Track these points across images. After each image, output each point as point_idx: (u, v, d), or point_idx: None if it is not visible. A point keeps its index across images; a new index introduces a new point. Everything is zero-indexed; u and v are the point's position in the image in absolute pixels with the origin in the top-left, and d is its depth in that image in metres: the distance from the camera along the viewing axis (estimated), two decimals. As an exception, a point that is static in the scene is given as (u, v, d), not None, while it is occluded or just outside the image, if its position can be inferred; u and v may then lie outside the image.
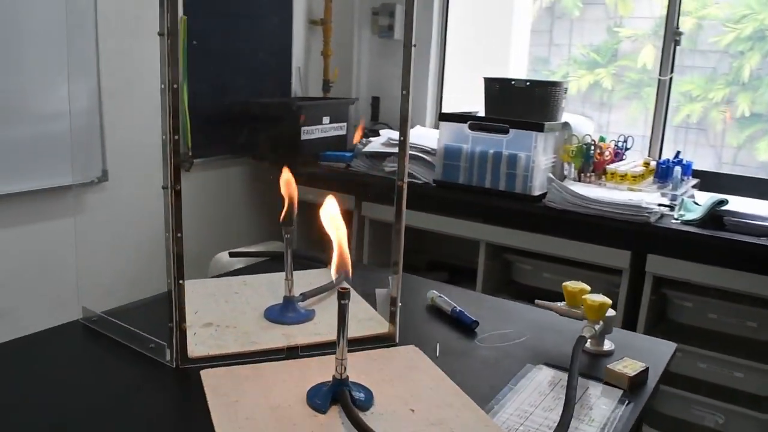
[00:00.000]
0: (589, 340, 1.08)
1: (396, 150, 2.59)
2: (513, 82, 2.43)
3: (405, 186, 1.05)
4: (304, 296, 1.23)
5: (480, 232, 2.41)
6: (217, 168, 2.88)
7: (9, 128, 2.08)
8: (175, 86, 0.90)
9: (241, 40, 2.82)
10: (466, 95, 3.12)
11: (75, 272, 2.24)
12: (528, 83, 2.42)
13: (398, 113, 1.04)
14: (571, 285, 1.14)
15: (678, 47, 2.64)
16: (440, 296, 1.28)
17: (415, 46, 1.01)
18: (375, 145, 2.70)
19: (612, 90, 3.21)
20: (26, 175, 2.14)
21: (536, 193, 2.30)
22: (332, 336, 1.09)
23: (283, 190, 1.19)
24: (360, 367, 1.01)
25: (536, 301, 1.20)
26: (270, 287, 1.32)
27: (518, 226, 2.32)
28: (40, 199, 2.21)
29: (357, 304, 1.26)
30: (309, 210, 2.85)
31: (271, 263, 1.53)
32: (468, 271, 2.59)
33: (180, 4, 2.53)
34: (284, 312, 1.18)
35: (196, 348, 1.05)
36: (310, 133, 2.81)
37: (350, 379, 0.91)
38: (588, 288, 1.13)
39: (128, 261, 2.49)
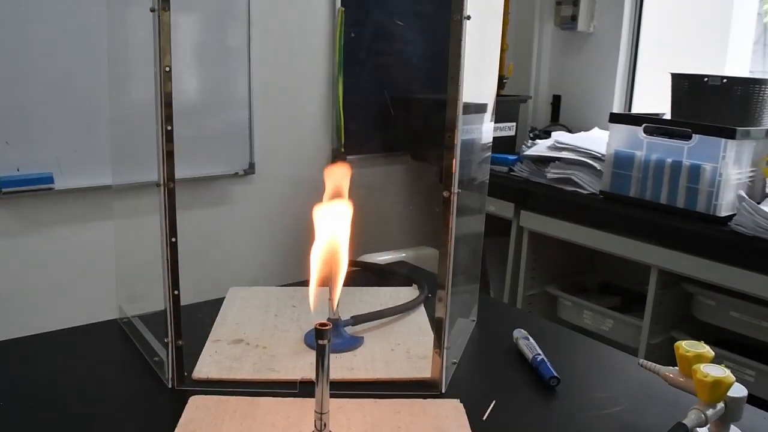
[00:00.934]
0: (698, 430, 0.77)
1: (562, 155, 2.30)
2: (706, 79, 2.01)
3: (454, 197, 0.82)
4: (355, 320, 1.05)
5: (652, 255, 2.03)
6: (371, 166, 2.77)
7: (179, 123, 2.13)
8: (167, 69, 0.77)
9: (403, 33, 2.68)
10: (664, 94, 2.70)
11: (212, 260, 2.25)
12: (725, 80, 1.99)
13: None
14: (686, 346, 0.83)
15: None
16: (526, 338, 1.02)
17: (468, 18, 0.77)
18: (540, 147, 2.42)
19: None
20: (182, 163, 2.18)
21: (723, 213, 1.88)
22: (365, 374, 0.91)
23: (330, 192, 1.01)
24: (374, 420, 0.80)
25: (641, 360, 0.90)
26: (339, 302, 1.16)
27: (699, 251, 1.91)
28: (188, 187, 2.25)
29: (418, 336, 1.05)
30: (467, 215, 2.68)
31: (373, 276, 1.38)
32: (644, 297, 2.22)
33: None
34: (325, 336, 1.01)
35: (204, 368, 0.92)
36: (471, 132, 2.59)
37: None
38: (709, 354, 0.81)
39: (270, 252, 2.47)
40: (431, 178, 2.81)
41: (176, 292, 0.85)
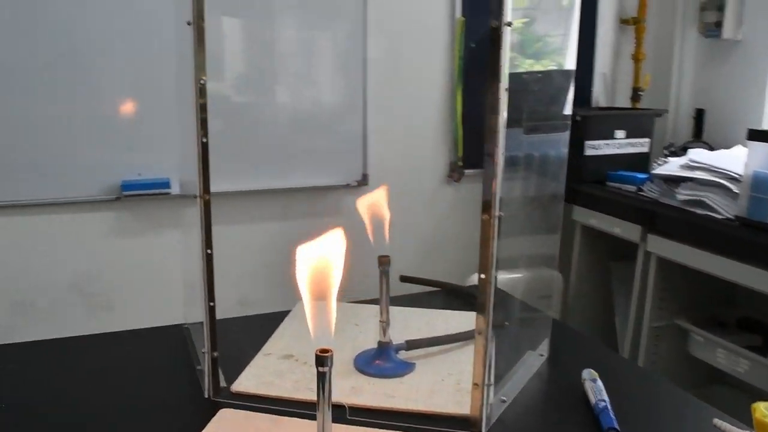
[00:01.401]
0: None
1: (695, 174, 2.10)
2: None
3: (494, 222, 0.75)
4: (409, 344, 1.00)
5: (796, 291, 1.79)
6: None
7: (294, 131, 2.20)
8: (202, 82, 0.77)
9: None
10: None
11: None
12: None
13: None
14: (765, 409, 0.71)
15: None
16: (593, 380, 0.92)
17: (509, 24, 0.70)
18: (671, 166, 2.22)
19: None
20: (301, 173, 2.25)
21: None
22: (403, 403, 0.86)
23: (367, 213, 0.97)
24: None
25: (715, 420, 0.78)
26: (405, 324, 1.12)
27: None
28: (302, 197, 2.30)
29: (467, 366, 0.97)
30: (589, 237, 2.52)
31: (448, 297, 1.32)
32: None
33: (458, 5, 2.40)
34: (373, 360, 0.97)
35: (245, 381, 0.92)
36: (596, 148, 2.44)
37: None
38: (789, 419, 0.68)
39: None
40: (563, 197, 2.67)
41: (212, 304, 0.84)
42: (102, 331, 1.09)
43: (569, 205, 2.55)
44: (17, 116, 1.92)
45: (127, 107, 2.00)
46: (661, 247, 2.19)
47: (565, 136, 1.05)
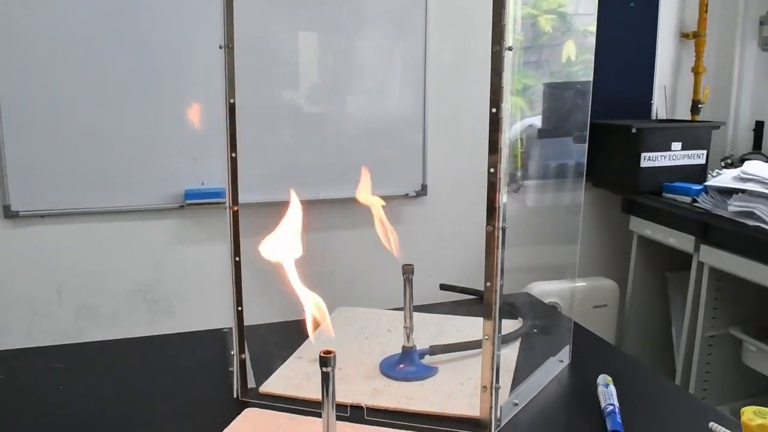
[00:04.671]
0: None
1: (746, 186, 2.06)
2: None
3: (499, 233, 0.79)
4: (432, 350, 1.04)
5: None
6: (549, 191, 2.68)
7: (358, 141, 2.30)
8: (231, 102, 0.84)
9: (596, 55, 2.58)
10: None
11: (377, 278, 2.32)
12: None
13: None
14: (752, 413, 0.72)
15: None
16: (606, 385, 0.94)
17: (510, 49, 0.74)
18: (724, 178, 2.18)
19: None
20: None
21: None
22: (420, 405, 0.91)
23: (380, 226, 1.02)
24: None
25: (711, 424, 0.80)
26: (437, 330, 1.17)
27: None
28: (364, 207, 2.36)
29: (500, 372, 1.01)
30: (646, 247, 2.49)
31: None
32: None
33: (519, 21, 2.42)
34: (398, 364, 1.02)
35: (273, 382, 0.98)
36: (653, 160, 2.41)
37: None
38: (779, 426, 0.70)
39: (436, 273, 2.50)
40: (612, 206, 2.66)
41: (240, 309, 0.91)
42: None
43: (626, 216, 2.54)
44: (88, 127, 2.04)
45: (193, 119, 2.11)
46: (713, 257, 2.15)
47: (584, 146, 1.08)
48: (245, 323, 0.93)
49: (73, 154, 2.05)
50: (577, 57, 1.61)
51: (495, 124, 0.76)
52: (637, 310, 2.64)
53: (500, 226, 0.79)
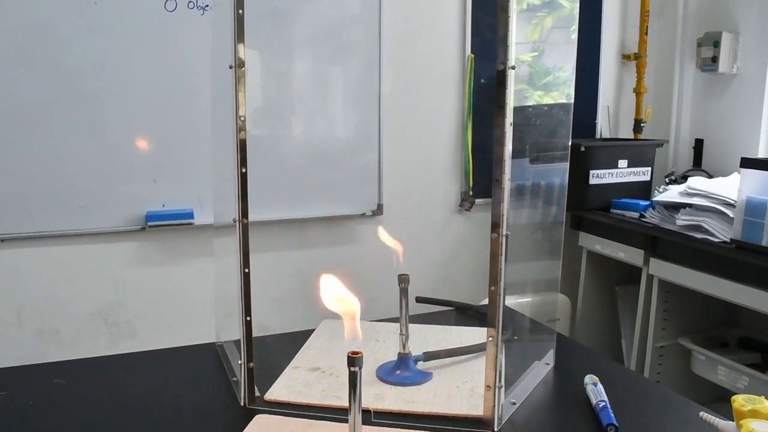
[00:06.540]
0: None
1: (693, 200, 2.19)
2: None
3: (503, 239, 0.85)
4: (427, 356, 1.09)
5: (793, 310, 1.87)
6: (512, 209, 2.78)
7: (312, 163, 2.32)
8: (241, 119, 0.87)
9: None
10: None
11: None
12: None
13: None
14: (743, 399, 0.79)
15: None
16: (594, 384, 1.01)
17: (513, 68, 0.80)
18: (671, 193, 2.31)
19: None
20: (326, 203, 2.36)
21: None
22: (423, 407, 0.94)
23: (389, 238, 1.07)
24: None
25: (701, 413, 0.87)
26: (423, 339, 1.21)
27: None
28: (320, 225, 2.39)
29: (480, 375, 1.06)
30: (595, 262, 2.61)
31: (460, 315, 1.42)
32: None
33: (468, 43, 2.53)
34: (394, 370, 1.06)
35: (277, 390, 1.00)
36: (601, 177, 2.53)
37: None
38: (766, 409, 0.77)
39: (391, 290, 2.55)
40: (564, 224, 2.76)
41: (248, 319, 0.94)
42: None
43: (575, 232, 2.64)
44: (46, 149, 2.02)
45: (153, 142, 2.11)
46: (663, 270, 2.27)
47: (565, 165, 1.15)
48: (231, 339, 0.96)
49: (34, 178, 2.02)
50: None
51: (499, 137, 0.82)
52: (588, 323, 2.74)
53: (504, 233, 0.84)
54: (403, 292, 1.05)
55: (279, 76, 2.30)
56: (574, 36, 1.29)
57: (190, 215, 2.13)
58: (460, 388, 1.02)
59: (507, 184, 0.84)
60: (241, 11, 0.87)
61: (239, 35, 0.88)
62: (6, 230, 2.03)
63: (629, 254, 2.40)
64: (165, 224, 2.13)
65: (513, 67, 0.81)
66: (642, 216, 2.42)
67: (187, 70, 2.09)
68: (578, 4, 1.26)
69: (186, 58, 2.09)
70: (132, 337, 2.26)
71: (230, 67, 0.88)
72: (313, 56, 2.32)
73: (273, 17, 2.21)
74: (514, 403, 0.96)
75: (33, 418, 0.94)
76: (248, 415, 0.93)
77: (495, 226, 0.84)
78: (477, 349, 1.13)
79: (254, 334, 1.26)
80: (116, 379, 1.08)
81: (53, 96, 2.01)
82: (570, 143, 1.15)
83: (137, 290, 2.24)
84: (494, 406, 0.89)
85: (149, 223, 2.12)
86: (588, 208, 2.57)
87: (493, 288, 0.86)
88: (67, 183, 2.06)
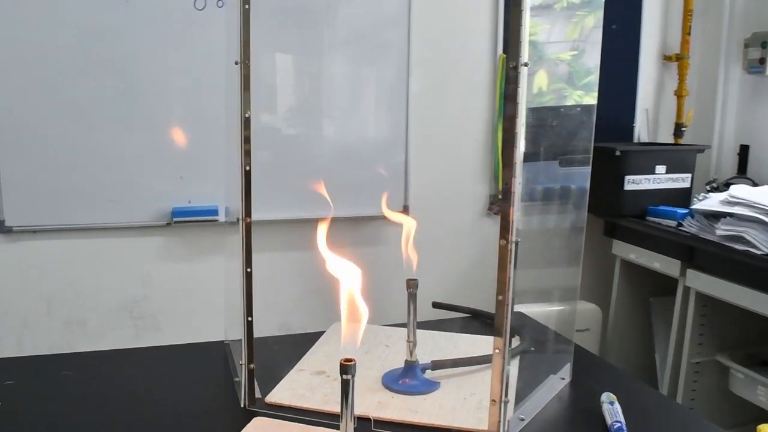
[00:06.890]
0: None
1: (734, 210, 2.10)
2: None
3: (511, 247, 0.80)
4: (435, 365, 1.05)
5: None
6: (532, 214, 2.71)
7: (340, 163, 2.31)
8: (246, 116, 0.85)
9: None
10: None
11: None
12: None
13: None
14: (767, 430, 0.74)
15: None
16: (611, 403, 0.95)
17: (526, 65, 0.76)
18: (711, 201, 2.22)
19: None
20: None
21: None
22: (426, 418, 0.91)
23: (403, 241, 1.03)
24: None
25: (721, 440, 0.81)
26: (434, 346, 1.17)
27: None
28: (346, 226, 2.37)
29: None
30: (629, 271, 2.52)
31: (476, 322, 1.37)
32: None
33: (500, 42, 2.47)
34: (400, 378, 1.02)
35: (278, 393, 0.98)
36: (637, 183, 2.45)
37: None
38: (791, 441, 0.71)
39: (428, 291, 2.51)
40: (594, 230, 2.69)
41: (250, 319, 0.91)
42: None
43: (608, 239, 2.57)
44: (80, 145, 2.06)
45: (180, 139, 2.12)
46: (700, 282, 2.18)
47: (588, 169, 1.10)
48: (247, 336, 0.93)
49: (66, 172, 2.06)
50: (548, 86, 1.65)
51: (510, 139, 0.78)
52: (620, 335, 2.66)
53: (513, 240, 0.80)
54: (412, 297, 1.02)
55: (309, 77, 2.29)
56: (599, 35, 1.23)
57: (215, 212, 2.14)
58: (467, 400, 0.98)
59: (518, 188, 0.80)
60: (247, 6, 0.84)
61: (245, 30, 0.85)
62: (38, 222, 2.08)
63: (665, 264, 2.31)
64: (190, 220, 2.13)
65: (526, 64, 0.76)
66: (680, 225, 2.33)
67: (215, 68, 2.09)
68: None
69: (214, 56, 2.09)
70: (156, 330, 2.27)
71: (236, 63, 0.85)
72: (342, 57, 2.30)
73: (303, 16, 2.20)
74: (523, 419, 0.92)
75: (34, 409, 0.93)
76: (247, 417, 0.91)
77: (504, 232, 0.80)
78: (486, 359, 1.08)
79: (275, 332, 1.25)
80: (123, 374, 1.08)
81: (84, 93, 2.04)
82: (593, 146, 1.09)
83: (162, 284, 2.25)
84: (500, 421, 0.85)
85: (175, 219, 2.13)
86: (622, 215, 2.49)
87: (500, 297, 0.82)
88: (98, 178, 2.09)
